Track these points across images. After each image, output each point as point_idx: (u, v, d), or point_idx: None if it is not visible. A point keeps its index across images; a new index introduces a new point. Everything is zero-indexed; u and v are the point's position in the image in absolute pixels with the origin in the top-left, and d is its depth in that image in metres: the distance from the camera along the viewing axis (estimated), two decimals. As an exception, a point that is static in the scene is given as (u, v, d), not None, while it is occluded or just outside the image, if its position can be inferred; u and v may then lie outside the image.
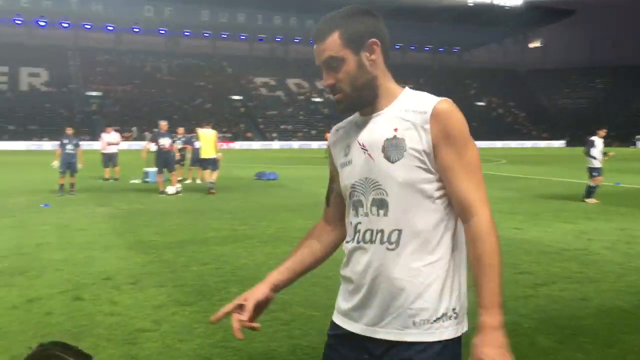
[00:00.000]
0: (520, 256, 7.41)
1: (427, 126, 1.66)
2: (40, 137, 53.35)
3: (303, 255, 1.94)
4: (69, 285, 5.94)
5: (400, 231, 1.68)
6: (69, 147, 14.63)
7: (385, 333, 1.70)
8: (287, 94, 76.70)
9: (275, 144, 61.97)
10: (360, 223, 1.76)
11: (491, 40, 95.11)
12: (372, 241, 1.72)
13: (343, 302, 1.83)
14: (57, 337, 4.41)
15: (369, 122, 1.79)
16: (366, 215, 1.74)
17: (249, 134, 64.58)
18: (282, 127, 68.19)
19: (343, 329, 1.81)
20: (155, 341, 4.41)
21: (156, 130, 15.68)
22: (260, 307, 1.84)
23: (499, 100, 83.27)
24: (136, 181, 17.96)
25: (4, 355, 4.15)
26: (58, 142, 15.04)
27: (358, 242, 1.76)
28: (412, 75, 74.68)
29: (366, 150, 1.76)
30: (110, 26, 77.14)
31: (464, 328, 1.72)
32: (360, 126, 1.82)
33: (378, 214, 1.71)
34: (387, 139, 1.71)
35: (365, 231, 1.74)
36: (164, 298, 5.52)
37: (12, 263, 6.92)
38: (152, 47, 79.36)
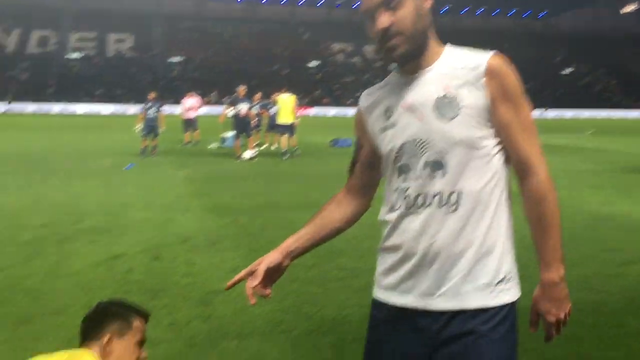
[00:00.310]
0: (607, 232, 7.01)
1: (482, 82, 1.59)
2: (125, 101, 55.43)
3: (323, 223, 1.86)
4: (149, 245, 6.13)
5: (460, 192, 1.60)
6: (151, 111, 15.11)
7: (444, 301, 1.60)
8: (364, 61, 75.91)
9: (351, 111, 61.68)
10: (409, 188, 1.66)
11: (581, 4, 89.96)
12: (426, 205, 1.62)
13: (387, 275, 1.72)
14: (137, 293, 4.58)
15: (413, 82, 1.68)
16: (418, 178, 1.64)
17: (325, 100, 64.58)
18: (358, 94, 67.48)
19: (389, 305, 1.69)
20: (228, 303, 4.47)
21: (234, 95, 15.89)
22: (273, 274, 1.79)
23: (587, 68, 79.04)
24: (214, 145, 18.35)
25: (85, 309, 4.33)
26: (141, 106, 15.53)
27: (408, 207, 1.66)
28: (494, 42, 72.10)
29: (414, 110, 1.65)
30: (190, -8, 78.50)
31: (520, 290, 1.68)
32: (402, 86, 1.71)
33: (433, 176, 1.62)
34: (438, 98, 1.62)
35: (417, 195, 1.64)
36: (239, 261, 5.59)
37: (97, 222, 7.23)
38: (231, 14, 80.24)
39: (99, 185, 10.06)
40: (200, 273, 5.23)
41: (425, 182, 1.63)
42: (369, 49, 77.38)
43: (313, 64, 71.51)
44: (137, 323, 2.05)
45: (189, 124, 19.07)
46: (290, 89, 16.91)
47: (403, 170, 1.68)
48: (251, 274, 1.75)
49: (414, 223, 1.65)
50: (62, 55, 65.82)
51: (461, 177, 1.61)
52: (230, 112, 15.35)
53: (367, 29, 1.67)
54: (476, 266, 1.60)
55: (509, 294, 1.63)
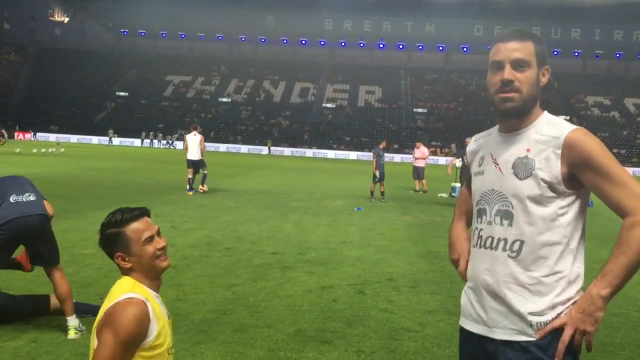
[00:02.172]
0: None
1: (559, 151, 1.83)
2: (369, 149, 58.76)
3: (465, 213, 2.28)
4: (357, 280, 6.66)
5: (522, 242, 1.85)
6: (382, 159, 15.98)
7: (502, 333, 1.85)
8: (624, 115, 69.46)
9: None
10: (482, 230, 1.97)
11: None
12: (493, 247, 1.91)
13: (465, 304, 2.04)
14: (337, 320, 5.07)
15: (506, 139, 1.97)
16: (489, 223, 1.94)
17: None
18: (615, 151, 61.97)
19: (465, 330, 2.01)
20: (415, 341, 4.73)
21: (462, 146, 16.04)
22: None
23: None
24: (444, 195, 18.61)
25: (291, 326, 4.96)
26: (373, 154, 16.54)
27: (480, 246, 1.96)
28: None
29: (498, 164, 1.95)
30: (441, 46, 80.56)
31: None
32: (497, 141, 2.01)
33: (502, 224, 1.90)
34: (519, 158, 1.89)
35: (487, 238, 1.94)
36: (436, 305, 5.81)
37: (318, 254, 8.03)
38: (479, 65, 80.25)
39: (327, 224, 11.03)
40: (396, 310, 5.57)
41: (494, 227, 1.93)
42: (630, 102, 70.74)
43: (564, 117, 67.58)
44: (133, 227, 2.16)
45: (417, 172, 19.67)
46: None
47: (480, 213, 2.00)
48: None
49: (482, 261, 1.96)
50: (319, 105, 72.37)
51: (526, 229, 1.86)
52: (458, 162, 15.53)
53: (489, 75, 1.97)
54: (531, 307, 1.83)
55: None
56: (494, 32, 76.16)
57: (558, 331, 1.78)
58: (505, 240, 1.89)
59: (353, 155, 58.23)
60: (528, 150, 1.87)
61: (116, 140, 61.19)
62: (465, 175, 15.19)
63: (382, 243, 9.22)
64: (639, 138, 64.26)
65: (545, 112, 1.96)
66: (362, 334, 4.83)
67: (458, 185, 17.56)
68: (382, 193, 15.82)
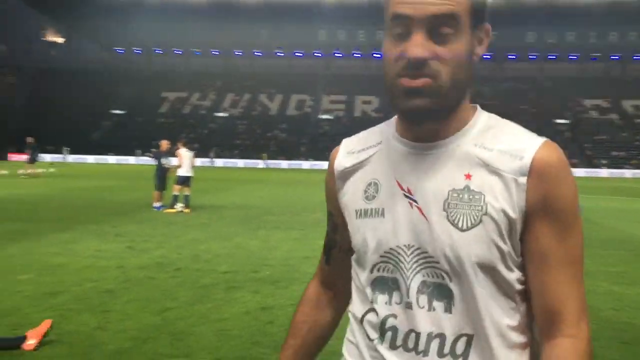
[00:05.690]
0: None
1: (523, 180, 1.05)
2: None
3: (307, 341, 1.39)
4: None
5: (470, 337, 1.08)
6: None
7: None
8: (622, 117, 69.05)
9: (603, 172, 56.19)
10: (392, 317, 1.12)
11: None
12: (420, 351, 1.09)
13: None
14: (264, 346, 4.66)
15: (421, 154, 1.13)
16: (408, 306, 1.11)
17: (574, 161, 59.97)
18: (614, 153, 61.55)
19: None
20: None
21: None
22: None
23: None
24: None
25: (210, 354, 4.56)
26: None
27: (391, 347, 1.12)
28: None
29: (415, 201, 1.11)
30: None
31: None
32: (403, 156, 1.16)
33: (432, 308, 1.09)
34: (454, 190, 1.08)
35: (408, 333, 1.10)
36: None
37: (273, 272, 7.62)
38: (477, 72, 79.90)
39: (296, 238, 10.63)
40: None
41: (418, 314, 1.10)
42: (629, 104, 70.41)
43: (562, 120, 67.29)
44: None
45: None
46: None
47: (386, 286, 1.14)
48: None
49: None
50: (315, 116, 72.25)
51: (475, 316, 1.08)
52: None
53: (384, 43, 1.11)
54: None
55: None
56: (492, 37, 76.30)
57: None
58: (441, 336, 1.09)
59: (350, 166, 57.87)
60: (468, 176, 1.08)
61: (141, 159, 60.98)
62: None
63: (345, 257, 8.81)
64: (637, 140, 63.78)
65: (479, 107, 1.19)
66: (268, 355, 4.43)
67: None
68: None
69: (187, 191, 14.88)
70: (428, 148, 1.12)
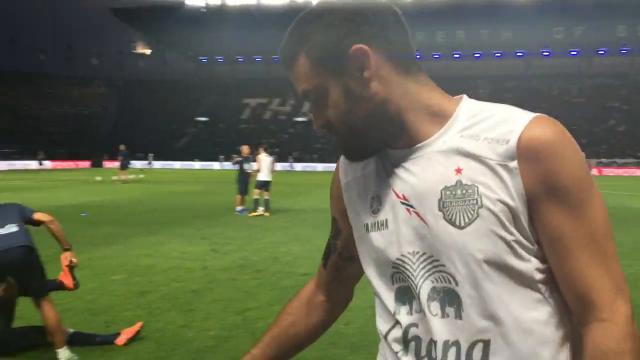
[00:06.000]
0: None
1: (514, 164, 1.00)
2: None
3: (285, 333, 1.37)
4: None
5: (486, 342, 1.03)
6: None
7: None
8: None
9: None
10: (414, 326, 1.09)
11: None
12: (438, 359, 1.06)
13: None
14: (340, 347, 4.73)
15: (409, 160, 1.11)
16: (420, 313, 1.08)
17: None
18: None
19: None
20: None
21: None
22: None
23: None
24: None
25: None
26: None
27: (417, 358, 1.09)
28: None
29: (412, 206, 1.09)
30: (519, 52, 78.01)
31: None
32: (392, 164, 1.14)
33: (445, 315, 1.05)
34: (447, 187, 1.05)
35: (430, 342, 1.07)
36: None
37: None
38: (562, 69, 76.96)
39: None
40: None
41: (432, 322, 1.06)
42: None
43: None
44: None
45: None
46: (629, 148, 15.27)
47: (404, 296, 1.12)
48: None
49: None
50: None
51: (488, 318, 1.03)
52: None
53: None
54: None
55: None
56: (575, 33, 73.14)
57: None
58: (456, 344, 1.04)
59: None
60: (458, 170, 1.04)
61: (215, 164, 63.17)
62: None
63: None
64: None
65: (464, 97, 1.16)
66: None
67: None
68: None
69: (266, 195, 15.25)
70: (416, 151, 1.10)
